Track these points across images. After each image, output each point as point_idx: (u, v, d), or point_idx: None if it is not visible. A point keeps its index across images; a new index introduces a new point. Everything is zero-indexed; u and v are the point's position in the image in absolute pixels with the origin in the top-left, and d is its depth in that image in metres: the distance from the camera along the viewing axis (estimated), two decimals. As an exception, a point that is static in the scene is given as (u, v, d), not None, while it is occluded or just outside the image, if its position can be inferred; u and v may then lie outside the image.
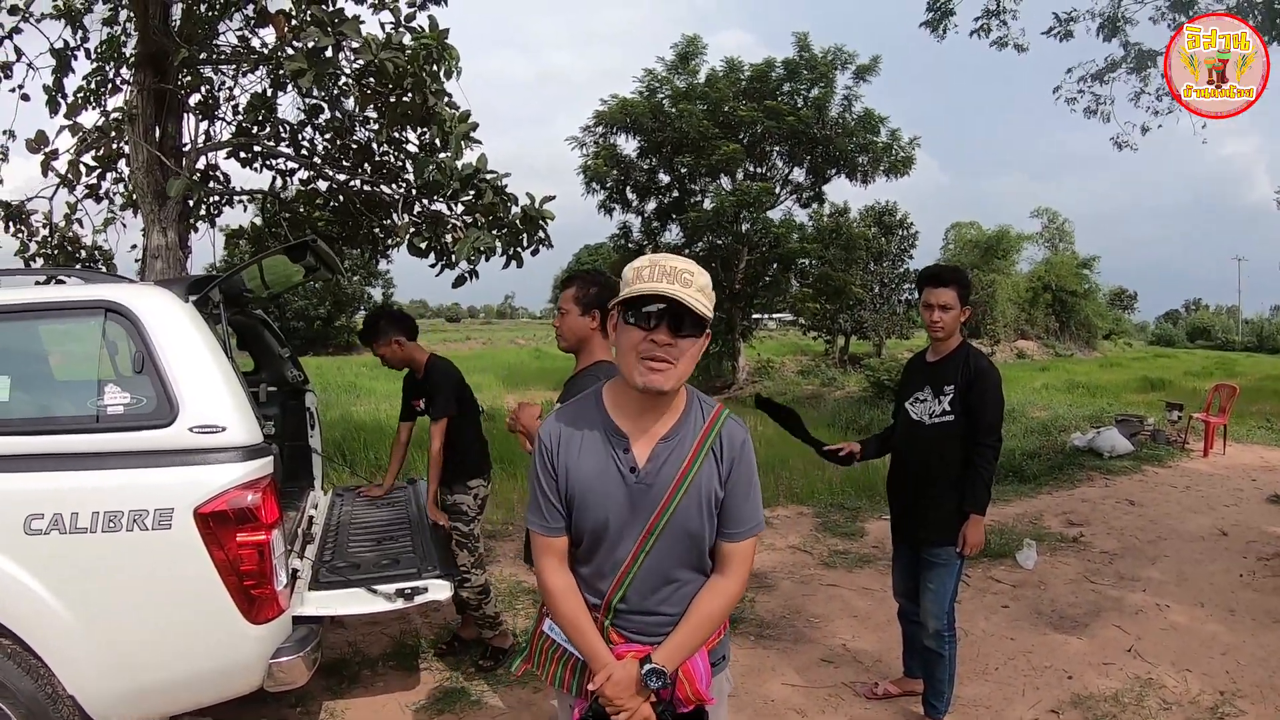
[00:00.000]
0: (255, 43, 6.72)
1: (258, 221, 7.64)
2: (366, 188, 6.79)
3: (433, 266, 6.40)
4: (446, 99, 5.63)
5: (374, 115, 6.34)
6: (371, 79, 5.29)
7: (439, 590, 3.45)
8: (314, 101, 6.68)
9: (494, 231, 6.07)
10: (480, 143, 5.92)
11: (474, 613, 4.43)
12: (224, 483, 2.83)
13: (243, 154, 7.01)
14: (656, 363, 1.76)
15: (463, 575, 4.25)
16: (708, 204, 23.38)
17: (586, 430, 1.90)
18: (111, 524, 2.78)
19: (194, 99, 6.78)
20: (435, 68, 5.46)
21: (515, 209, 6.11)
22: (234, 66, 6.90)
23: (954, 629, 3.74)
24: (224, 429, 2.91)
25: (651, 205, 25.11)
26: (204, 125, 7.02)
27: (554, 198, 6.19)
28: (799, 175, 24.66)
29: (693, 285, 1.74)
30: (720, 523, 1.89)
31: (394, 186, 6.68)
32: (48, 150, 6.40)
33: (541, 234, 6.20)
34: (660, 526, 1.84)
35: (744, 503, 1.90)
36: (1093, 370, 30.05)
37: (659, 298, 1.73)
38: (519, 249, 6.22)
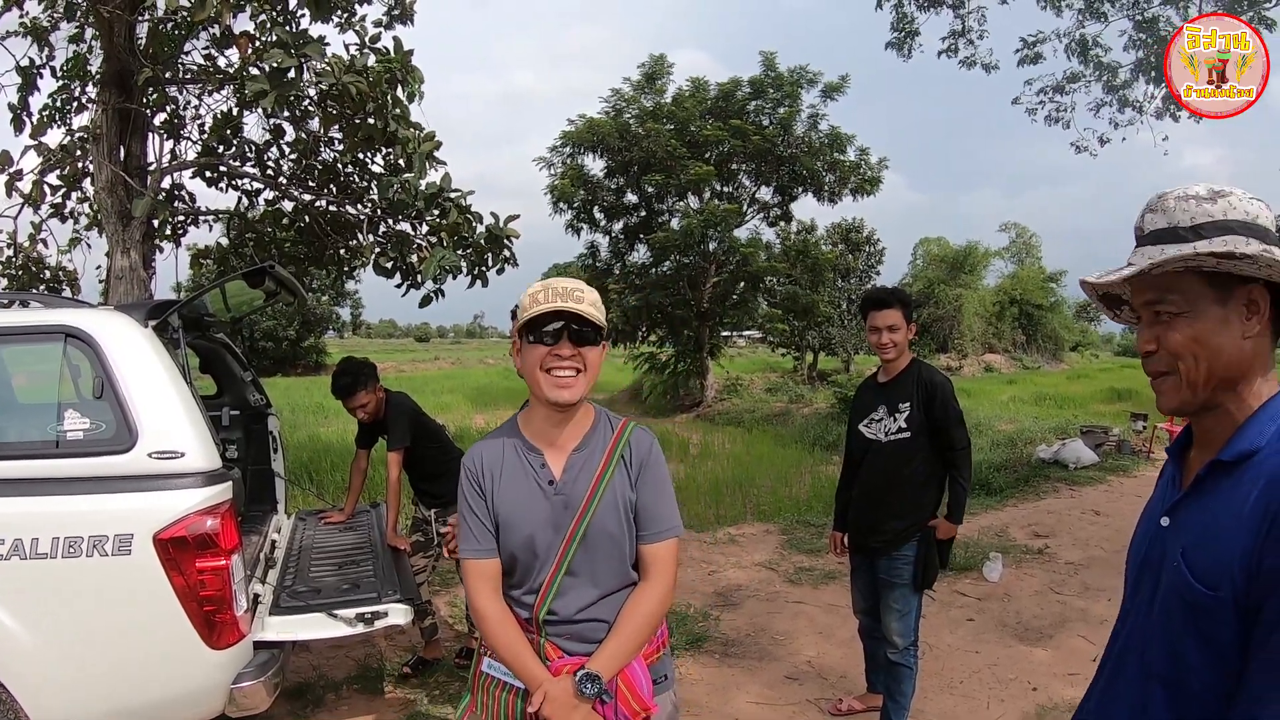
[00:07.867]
0: (221, 62, 6.72)
1: (224, 241, 7.60)
2: (332, 208, 6.79)
3: (399, 287, 6.40)
4: (409, 123, 5.64)
5: (338, 136, 6.35)
6: (333, 102, 5.30)
7: (399, 615, 3.43)
8: (278, 122, 6.69)
9: (459, 251, 6.09)
10: (444, 163, 5.96)
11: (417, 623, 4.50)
12: (183, 508, 2.84)
13: (208, 174, 6.99)
14: (563, 375, 1.88)
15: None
16: (675, 224, 23.41)
17: (505, 451, 1.99)
18: (72, 549, 2.77)
19: (159, 118, 6.76)
20: (398, 90, 5.48)
21: (480, 228, 6.13)
22: (199, 86, 6.89)
23: (918, 642, 3.79)
24: (183, 454, 2.92)
25: (619, 225, 25.16)
26: (169, 145, 7.00)
27: (518, 216, 6.21)
28: (766, 194, 24.81)
29: (584, 301, 1.89)
30: (637, 526, 1.96)
31: (359, 207, 6.68)
32: (12, 170, 6.35)
33: (506, 253, 6.23)
34: (580, 533, 1.90)
35: (657, 504, 1.97)
36: (1060, 382, 30.47)
37: (557, 315, 1.87)
38: (484, 268, 6.24)
